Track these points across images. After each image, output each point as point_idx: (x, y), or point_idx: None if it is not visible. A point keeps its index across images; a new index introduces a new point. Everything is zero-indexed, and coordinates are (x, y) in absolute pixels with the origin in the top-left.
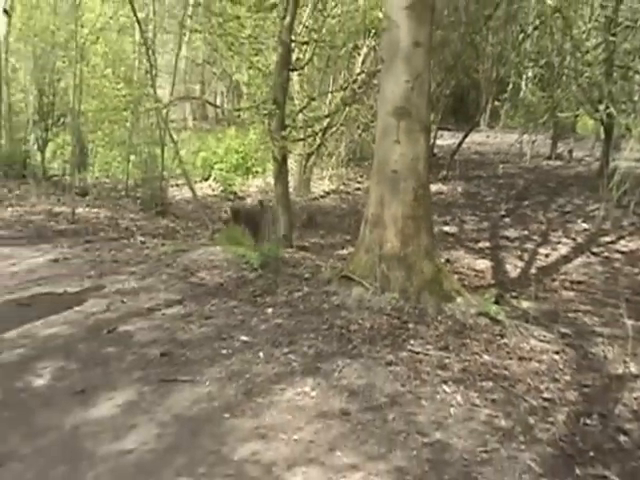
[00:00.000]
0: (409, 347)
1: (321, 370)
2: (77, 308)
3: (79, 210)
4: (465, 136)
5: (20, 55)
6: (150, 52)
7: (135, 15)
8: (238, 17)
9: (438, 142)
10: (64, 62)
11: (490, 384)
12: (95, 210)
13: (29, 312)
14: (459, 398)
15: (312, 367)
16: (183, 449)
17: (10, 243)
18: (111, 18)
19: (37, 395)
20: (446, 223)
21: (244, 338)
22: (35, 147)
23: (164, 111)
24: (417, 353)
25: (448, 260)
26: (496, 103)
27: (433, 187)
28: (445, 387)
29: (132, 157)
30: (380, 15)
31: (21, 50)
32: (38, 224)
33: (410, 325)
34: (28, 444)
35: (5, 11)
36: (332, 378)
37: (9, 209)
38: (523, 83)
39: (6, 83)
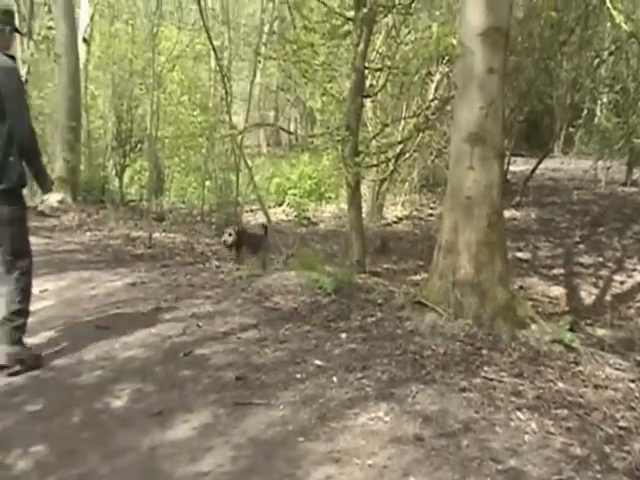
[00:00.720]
0: (483, 374)
1: (395, 395)
2: (154, 331)
3: (156, 235)
4: (539, 162)
5: (99, 83)
6: (225, 79)
7: (211, 43)
8: (312, 44)
9: (511, 168)
10: (141, 89)
11: (565, 412)
12: (171, 235)
13: (108, 335)
14: (534, 425)
15: (386, 392)
16: (258, 472)
17: (89, 267)
18: (187, 46)
19: (115, 416)
20: (520, 249)
21: (318, 362)
22: (113, 173)
23: (239, 137)
24: (491, 380)
25: (522, 287)
26: (570, 129)
27: (506, 213)
28: (519, 414)
29: (207, 183)
30: (454, 42)
31: (100, 78)
32: (116, 248)
33: (484, 351)
34: (107, 464)
35: (85, 40)
36: (406, 403)
37: (88, 233)
38: (598, 109)
39: (86, 110)
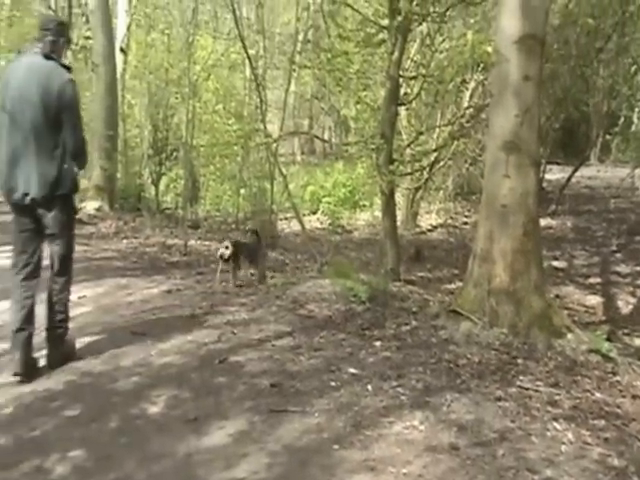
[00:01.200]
0: (518, 383)
1: (430, 404)
2: (190, 338)
3: (191, 242)
4: (575, 170)
5: (135, 92)
6: (260, 88)
7: (246, 52)
8: (346, 53)
9: (547, 176)
10: (177, 98)
11: (602, 422)
12: (206, 243)
13: (144, 341)
14: (570, 436)
15: (421, 401)
16: (293, 479)
17: (126, 274)
18: (222, 55)
19: (152, 422)
20: (555, 258)
21: (352, 371)
22: (149, 181)
23: (274, 146)
24: (527, 389)
25: (558, 295)
26: (607, 137)
27: (542, 221)
28: (556, 424)
29: (242, 191)
30: (489, 49)
31: (136, 87)
32: (152, 256)
33: (519, 361)
34: (143, 470)
35: (122, 50)
36: (441, 412)
37: (124, 241)
38: (635, 116)
39: (122, 119)
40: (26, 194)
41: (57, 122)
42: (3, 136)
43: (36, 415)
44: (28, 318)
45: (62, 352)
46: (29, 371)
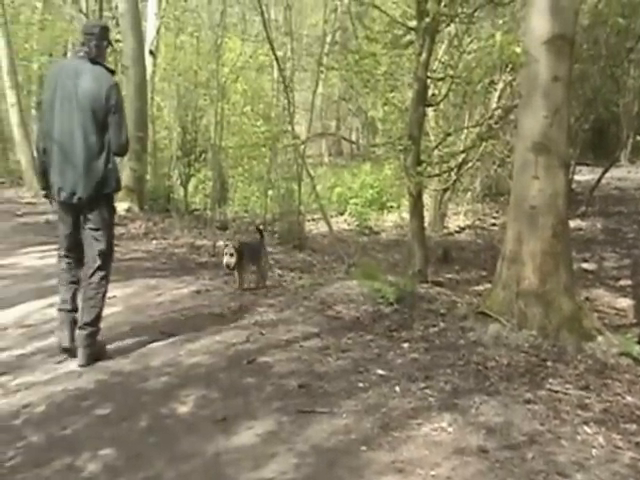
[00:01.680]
0: (548, 386)
1: (458, 406)
2: (218, 338)
3: (219, 243)
4: (605, 171)
5: (164, 94)
6: (288, 89)
7: (274, 54)
8: (374, 54)
9: (576, 177)
10: (206, 100)
11: (634, 426)
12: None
13: (173, 341)
14: (601, 439)
15: (449, 403)
16: None
17: (155, 274)
18: (250, 57)
19: (181, 422)
20: (585, 260)
21: (380, 372)
22: (178, 182)
23: (301, 147)
24: (556, 392)
25: (587, 298)
26: (637, 137)
27: (571, 223)
28: (586, 428)
29: (270, 192)
30: (517, 50)
31: (165, 89)
32: (181, 256)
33: (549, 363)
34: (172, 469)
35: (151, 52)
36: (469, 414)
37: (154, 242)
38: None
39: (152, 121)
40: (73, 193)
41: (103, 124)
42: (51, 136)
43: (67, 414)
44: (73, 301)
45: (94, 351)
46: (90, 359)
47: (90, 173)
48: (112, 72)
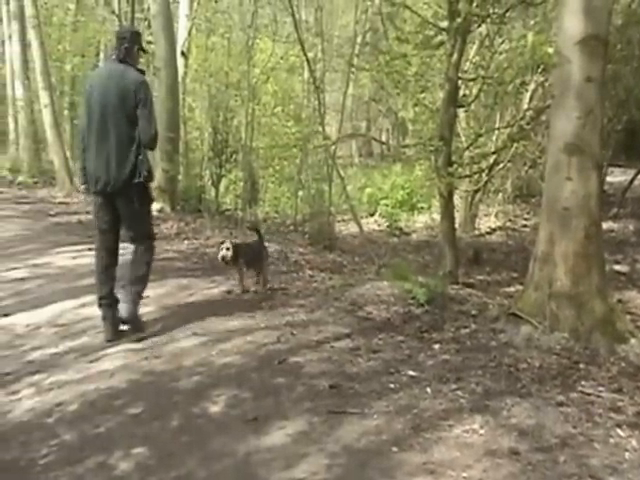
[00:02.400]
0: (580, 388)
1: (489, 408)
2: (249, 339)
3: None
4: (637, 173)
5: (196, 95)
6: (319, 90)
7: (305, 55)
8: (405, 55)
9: (608, 179)
10: (237, 101)
11: None
12: (265, 244)
13: (205, 341)
14: (634, 443)
15: (480, 405)
16: None
17: (187, 274)
18: (281, 58)
19: (212, 421)
20: (618, 262)
21: (411, 373)
22: (209, 182)
23: (332, 148)
24: (589, 394)
25: (620, 300)
26: None
27: (604, 225)
28: (619, 430)
29: (300, 193)
30: (550, 50)
31: (197, 90)
32: (212, 257)
33: (581, 366)
34: (204, 468)
35: (183, 53)
36: (501, 416)
37: (185, 242)
38: None
39: (183, 122)
40: (107, 183)
41: (133, 118)
42: (89, 133)
43: (100, 412)
44: (112, 295)
45: (134, 322)
46: (116, 336)
47: (122, 164)
48: (142, 72)
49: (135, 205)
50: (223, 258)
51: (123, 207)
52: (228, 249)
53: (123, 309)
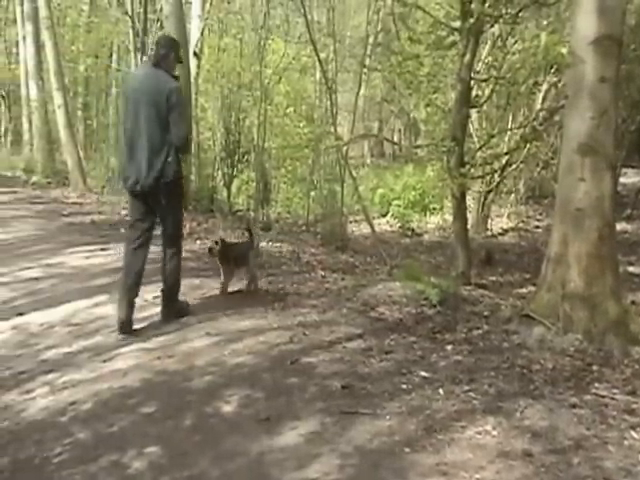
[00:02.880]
0: (594, 390)
1: (502, 409)
2: (262, 339)
3: (262, 244)
4: None
5: (208, 95)
6: (331, 91)
7: (317, 55)
8: (417, 56)
9: (622, 180)
10: (249, 101)
11: None
12: (277, 244)
13: (217, 341)
14: None
15: (493, 406)
16: None
17: (199, 274)
18: (294, 59)
19: (225, 421)
20: (631, 263)
21: (424, 374)
22: (222, 183)
23: (344, 148)
24: (602, 397)
25: (634, 301)
26: None
27: (617, 226)
28: (633, 433)
29: (312, 193)
30: (563, 51)
31: (209, 90)
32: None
33: (594, 367)
34: (217, 468)
35: (195, 54)
36: (514, 418)
37: (198, 242)
38: None
39: (196, 122)
40: (136, 182)
41: (165, 122)
42: (125, 133)
43: (113, 412)
44: (134, 286)
45: (173, 309)
46: (128, 329)
47: (151, 165)
48: (176, 78)
49: (163, 203)
50: (210, 249)
51: (154, 205)
52: (217, 243)
53: (161, 313)
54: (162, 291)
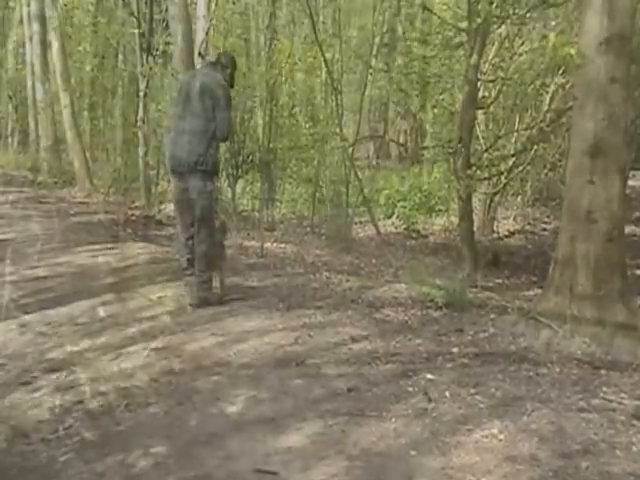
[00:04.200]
0: (602, 394)
1: (509, 413)
2: (267, 340)
3: (267, 245)
4: None
5: None
6: (336, 92)
7: (323, 56)
8: (423, 56)
9: (631, 182)
10: (254, 102)
11: None
12: (282, 245)
13: (223, 342)
14: None
15: (499, 409)
16: None
17: None
18: (299, 59)
19: (231, 422)
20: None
21: (430, 376)
22: (226, 183)
23: (349, 149)
24: (610, 401)
25: None
26: None
27: (626, 229)
28: None
29: (318, 194)
30: (571, 51)
31: None
32: (229, 257)
33: (602, 371)
34: (222, 468)
35: (200, 54)
36: (521, 422)
37: None
38: None
39: None
40: (179, 164)
41: (210, 114)
42: (175, 118)
43: (120, 411)
44: (190, 261)
45: (205, 295)
46: (201, 302)
47: (192, 152)
48: (226, 80)
49: (198, 188)
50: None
51: (190, 186)
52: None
53: (192, 293)
54: (195, 275)
